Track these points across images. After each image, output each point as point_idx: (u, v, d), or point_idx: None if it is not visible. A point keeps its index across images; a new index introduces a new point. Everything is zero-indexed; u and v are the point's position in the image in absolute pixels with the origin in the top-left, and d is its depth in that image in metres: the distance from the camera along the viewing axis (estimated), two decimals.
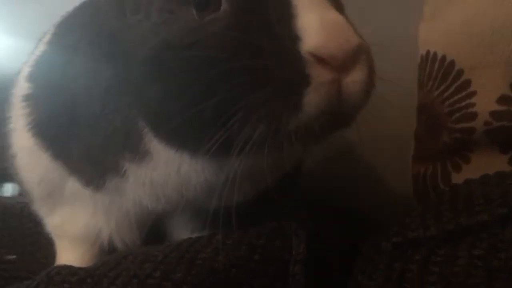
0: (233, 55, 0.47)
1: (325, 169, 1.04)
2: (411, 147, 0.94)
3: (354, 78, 0.46)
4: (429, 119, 0.88)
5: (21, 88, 0.66)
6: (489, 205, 0.48)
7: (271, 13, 0.48)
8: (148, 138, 0.56)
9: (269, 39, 0.46)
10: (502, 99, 0.74)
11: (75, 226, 0.69)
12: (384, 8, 1.07)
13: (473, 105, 0.79)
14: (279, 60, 0.45)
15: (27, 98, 0.65)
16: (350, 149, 1.08)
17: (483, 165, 0.79)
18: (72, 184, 0.65)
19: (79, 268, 0.58)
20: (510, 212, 0.46)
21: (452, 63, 0.83)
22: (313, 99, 0.45)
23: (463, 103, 0.81)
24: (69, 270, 0.57)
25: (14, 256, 0.73)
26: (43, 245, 0.75)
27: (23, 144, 0.66)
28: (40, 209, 0.73)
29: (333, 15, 0.47)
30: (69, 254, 0.72)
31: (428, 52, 0.88)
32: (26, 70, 0.67)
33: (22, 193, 0.72)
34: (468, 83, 0.81)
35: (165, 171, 0.57)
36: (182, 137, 0.53)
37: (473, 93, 0.80)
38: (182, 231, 0.69)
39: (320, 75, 0.45)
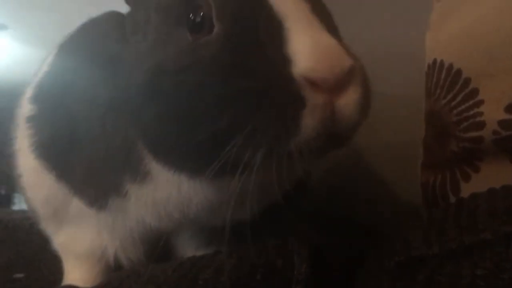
0: (226, 79, 0.47)
1: (332, 178, 1.03)
2: (420, 155, 0.93)
3: (347, 100, 0.46)
4: (437, 127, 0.87)
5: (25, 109, 0.67)
6: (493, 223, 0.47)
7: (264, 36, 0.48)
8: (148, 159, 0.56)
9: (261, 63, 0.46)
10: (510, 108, 0.73)
11: (81, 244, 0.70)
12: (391, 16, 1.06)
13: (481, 114, 0.78)
14: (272, 84, 0.45)
15: (31, 119, 0.66)
16: (359, 157, 1.07)
17: (493, 174, 0.78)
18: (76, 204, 0.65)
19: None
20: None
21: (459, 71, 0.82)
22: (309, 122, 0.45)
23: (471, 112, 0.80)
24: None
25: (22, 275, 0.73)
26: (52, 262, 0.75)
27: (28, 165, 0.67)
28: (47, 227, 0.74)
29: (325, 38, 0.47)
30: (76, 272, 0.72)
31: (435, 61, 0.87)
32: (29, 92, 0.68)
33: (30, 210, 0.72)
34: (475, 91, 0.79)
35: (166, 191, 0.57)
36: (179, 159, 0.53)
37: (481, 102, 0.79)
38: (187, 247, 0.69)
39: (313, 98, 0.45)
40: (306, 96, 0.45)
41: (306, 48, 0.45)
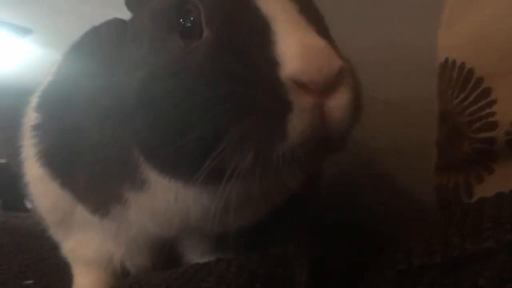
0: (213, 84, 0.47)
1: (344, 181, 1.02)
2: (433, 157, 0.91)
3: (337, 103, 0.45)
4: (450, 128, 0.85)
5: (30, 118, 0.67)
6: (497, 230, 0.46)
7: (251, 40, 0.47)
8: (144, 166, 0.56)
9: (248, 66, 0.46)
10: None
11: (88, 251, 0.70)
12: (402, 15, 1.04)
13: (493, 114, 0.77)
14: (259, 87, 0.45)
15: (36, 128, 0.66)
16: (371, 159, 1.06)
17: (507, 175, 0.77)
18: (81, 211, 0.66)
19: None
20: None
21: (471, 70, 0.80)
22: (297, 126, 0.44)
23: (483, 112, 0.78)
24: None
25: (31, 281, 0.74)
26: (61, 268, 0.76)
27: (34, 173, 0.68)
28: (55, 234, 0.74)
29: (313, 39, 0.46)
30: (85, 278, 0.73)
31: (446, 60, 0.86)
32: (34, 101, 0.69)
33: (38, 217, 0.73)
34: (488, 91, 0.78)
35: (163, 199, 0.57)
36: (172, 166, 0.53)
37: (493, 102, 0.77)
38: (193, 254, 0.69)
39: (301, 101, 0.44)
40: (293, 99, 0.44)
41: (293, 50, 0.45)
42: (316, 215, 0.78)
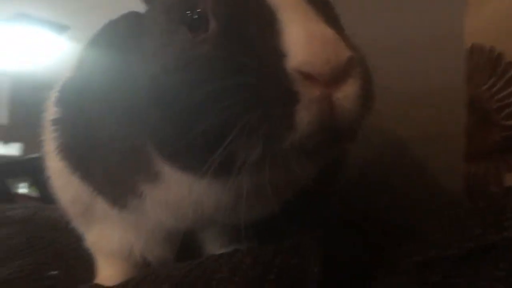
0: (220, 75, 0.46)
1: (372, 170, 1.01)
2: (461, 145, 0.88)
3: (345, 94, 0.44)
4: (478, 115, 0.83)
5: (50, 112, 0.68)
6: None
7: (258, 30, 0.46)
8: (157, 159, 0.56)
9: (255, 58, 0.45)
10: None
11: (109, 243, 0.71)
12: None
13: None
14: (266, 79, 0.44)
15: (55, 122, 0.67)
16: (400, 149, 1.04)
17: None
18: (101, 204, 0.66)
19: None
20: None
21: (500, 55, 0.78)
22: (304, 117, 0.43)
23: None
24: None
25: (56, 272, 0.75)
26: (85, 259, 0.77)
27: (55, 166, 0.68)
28: (78, 226, 0.75)
29: (320, 29, 0.44)
30: (107, 269, 0.74)
31: (474, 45, 0.83)
32: (54, 95, 0.69)
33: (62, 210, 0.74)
34: None
35: (177, 191, 0.57)
36: (182, 158, 0.53)
37: None
38: (212, 245, 0.69)
39: (309, 92, 0.43)
40: (300, 90, 0.43)
41: (299, 40, 0.43)
42: (335, 208, 0.77)
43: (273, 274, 0.50)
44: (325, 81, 0.42)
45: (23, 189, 4.25)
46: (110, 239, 0.71)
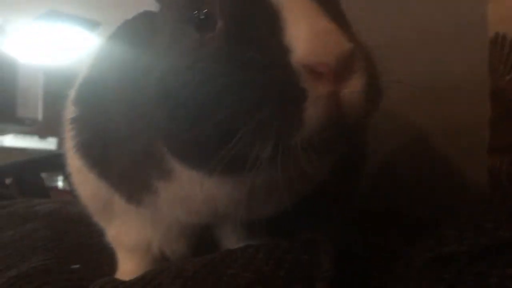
0: (228, 74, 0.46)
1: (395, 164, 1.00)
2: (486, 137, 0.87)
3: (352, 89, 0.44)
4: (503, 107, 0.81)
5: (69, 111, 0.69)
6: None
7: (263, 28, 0.47)
8: (169, 157, 0.57)
9: (261, 55, 0.45)
10: None
11: (128, 237, 0.72)
12: None
13: None
14: (272, 75, 0.44)
15: (73, 121, 0.68)
16: (425, 142, 1.02)
17: None
18: (119, 200, 0.67)
19: (121, 282, 0.60)
20: None
21: None
22: (313, 114, 0.43)
23: None
24: (112, 283, 0.60)
25: (78, 266, 0.77)
26: (108, 253, 0.78)
27: (74, 164, 0.70)
28: (99, 221, 0.77)
29: (323, 23, 0.44)
30: (127, 263, 0.75)
31: (497, 35, 0.81)
32: (73, 94, 0.70)
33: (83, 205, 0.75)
34: None
35: (190, 187, 0.58)
36: (192, 156, 0.53)
37: None
38: (228, 240, 0.70)
39: (315, 89, 0.43)
40: (307, 87, 0.43)
41: (302, 34, 0.44)
42: (353, 203, 0.77)
43: (284, 270, 0.50)
44: (331, 76, 0.42)
45: (59, 182, 4.36)
46: (129, 234, 0.72)
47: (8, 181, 2.13)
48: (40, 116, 3.54)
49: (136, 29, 0.65)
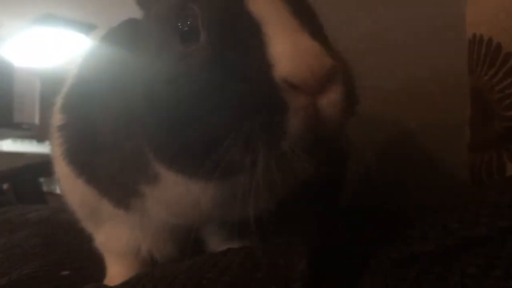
0: (212, 86, 0.49)
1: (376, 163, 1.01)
2: (466, 135, 0.88)
3: (330, 100, 0.47)
4: (481, 106, 0.83)
5: (56, 119, 0.71)
6: (492, 217, 0.45)
7: (245, 42, 0.49)
8: (154, 162, 0.58)
9: (243, 69, 0.48)
10: None
11: (118, 242, 0.74)
12: None
13: None
14: (254, 89, 0.46)
15: (61, 128, 0.69)
16: (405, 140, 1.04)
17: None
18: (106, 205, 0.69)
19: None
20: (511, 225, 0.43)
21: (498, 46, 0.77)
22: (294, 124, 0.46)
23: None
24: None
25: (67, 272, 0.78)
26: (97, 259, 0.80)
27: (62, 171, 0.71)
28: (87, 227, 0.78)
29: (303, 41, 0.47)
30: (116, 268, 0.76)
31: (474, 35, 0.83)
32: (59, 102, 0.72)
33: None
34: None
35: (175, 191, 0.59)
36: (177, 163, 0.55)
37: None
38: (215, 241, 0.71)
39: (295, 101, 0.45)
40: (288, 99, 0.45)
41: (284, 51, 0.46)
42: (335, 204, 0.78)
43: (260, 273, 0.52)
44: (310, 90, 0.45)
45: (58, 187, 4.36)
46: (118, 238, 0.73)
47: (5, 186, 2.14)
48: (37, 120, 3.56)
49: (121, 37, 0.67)
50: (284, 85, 0.45)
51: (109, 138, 0.63)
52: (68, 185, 0.73)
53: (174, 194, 0.60)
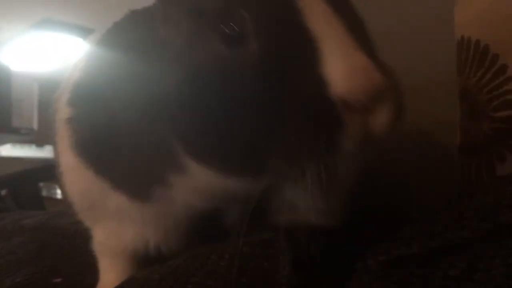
0: (264, 97, 0.49)
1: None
2: (456, 137, 0.89)
3: (382, 119, 0.48)
4: (470, 108, 0.83)
5: (63, 112, 0.70)
6: (476, 219, 0.45)
7: (299, 56, 0.49)
8: (183, 154, 0.58)
9: (297, 83, 0.48)
10: None
11: (121, 240, 0.72)
12: None
13: (510, 91, 0.74)
14: (308, 104, 0.47)
15: (69, 121, 0.68)
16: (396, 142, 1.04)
17: None
18: (116, 199, 0.67)
19: None
20: (494, 227, 0.43)
21: (486, 47, 0.78)
22: (347, 141, 0.47)
23: (501, 90, 0.76)
24: None
25: (60, 279, 0.78)
26: (93, 266, 0.79)
27: (68, 162, 0.70)
28: (84, 220, 0.77)
29: (360, 59, 0.47)
30: (109, 272, 0.76)
31: (462, 37, 0.83)
32: (65, 96, 0.70)
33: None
34: (504, 68, 0.75)
35: (205, 179, 0.58)
36: (213, 163, 0.55)
37: (510, 79, 0.75)
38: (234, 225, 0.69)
39: (349, 119, 0.46)
40: (343, 117, 0.46)
41: (341, 70, 0.46)
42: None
43: (246, 277, 0.52)
44: (363, 108, 0.46)
45: (58, 191, 4.37)
46: (123, 235, 0.71)
47: (3, 192, 2.14)
48: (35, 125, 3.55)
49: (130, 29, 0.66)
50: (339, 103, 0.46)
51: (131, 129, 0.62)
52: (73, 177, 0.72)
53: (203, 182, 0.59)
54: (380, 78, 0.47)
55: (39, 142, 4.97)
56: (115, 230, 0.72)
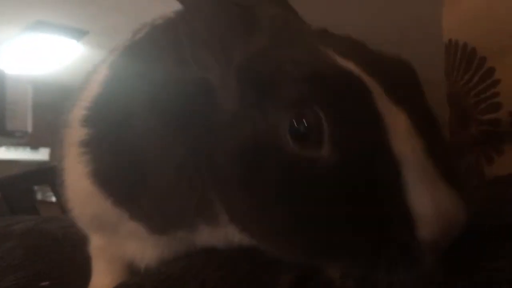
0: (341, 207, 0.45)
1: None
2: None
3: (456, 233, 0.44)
4: (458, 110, 0.84)
5: (77, 133, 0.62)
6: None
7: (381, 178, 0.44)
8: (220, 208, 0.54)
9: (378, 207, 0.44)
10: None
11: (121, 250, 0.68)
12: None
13: (497, 94, 0.75)
14: (393, 234, 0.43)
15: (85, 144, 0.61)
16: None
17: None
18: (131, 226, 0.62)
19: None
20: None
21: (473, 50, 0.78)
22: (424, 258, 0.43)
23: (488, 93, 0.76)
24: None
25: (47, 283, 0.78)
26: (81, 269, 0.78)
27: (82, 189, 0.63)
28: (84, 228, 0.73)
29: (445, 196, 0.43)
30: (105, 277, 0.72)
31: (450, 40, 0.84)
32: (79, 113, 0.62)
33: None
34: (491, 71, 0.76)
35: (240, 237, 0.56)
36: (261, 240, 0.52)
37: (497, 82, 0.75)
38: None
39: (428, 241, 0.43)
40: (424, 255, 0.43)
41: (429, 213, 0.42)
42: None
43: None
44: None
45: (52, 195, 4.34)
46: (124, 246, 0.68)
47: None
48: (30, 127, 3.54)
49: (157, 46, 0.60)
50: (424, 242, 0.42)
51: (157, 164, 0.56)
52: (84, 203, 0.66)
53: (238, 237, 0.56)
54: (464, 214, 0.44)
55: (34, 144, 4.96)
56: (118, 241, 0.68)
